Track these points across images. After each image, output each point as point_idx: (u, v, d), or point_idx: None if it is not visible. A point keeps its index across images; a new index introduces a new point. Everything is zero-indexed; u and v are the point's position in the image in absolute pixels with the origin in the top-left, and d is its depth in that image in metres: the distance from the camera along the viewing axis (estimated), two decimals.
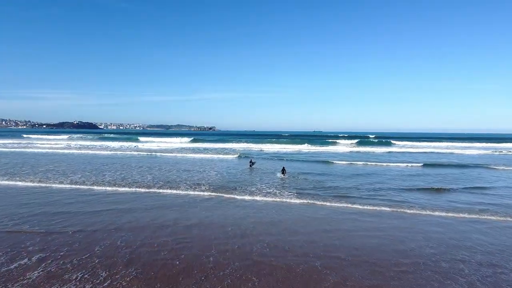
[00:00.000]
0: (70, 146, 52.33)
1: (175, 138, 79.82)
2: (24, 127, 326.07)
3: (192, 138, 79.15)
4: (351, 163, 30.86)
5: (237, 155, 36.40)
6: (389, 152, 48.48)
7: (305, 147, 54.15)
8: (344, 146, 58.44)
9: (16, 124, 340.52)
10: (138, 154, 39.62)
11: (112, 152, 41.56)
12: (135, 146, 52.70)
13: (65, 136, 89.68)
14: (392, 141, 77.78)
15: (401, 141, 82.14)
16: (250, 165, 28.22)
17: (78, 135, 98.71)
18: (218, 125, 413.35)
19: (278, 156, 38.34)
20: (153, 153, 39.46)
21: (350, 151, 48.46)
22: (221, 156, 36.78)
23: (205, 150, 46.57)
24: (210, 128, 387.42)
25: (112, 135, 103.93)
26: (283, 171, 23.41)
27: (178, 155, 38.19)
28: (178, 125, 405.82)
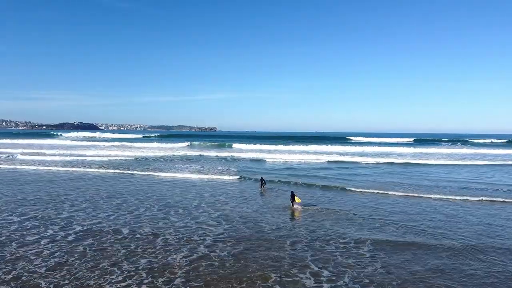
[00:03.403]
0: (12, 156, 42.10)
1: (171, 143, 69.89)
2: (25, 127, 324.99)
3: (189, 143, 69.16)
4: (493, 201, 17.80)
5: (238, 177, 25.75)
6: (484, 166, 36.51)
7: (324, 158, 43.46)
8: (373, 157, 47.60)
9: (17, 125, 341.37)
10: (105, 173, 29.38)
11: (65, 170, 31.33)
12: (108, 159, 42.10)
13: (34, 141, 72.32)
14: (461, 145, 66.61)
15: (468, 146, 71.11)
16: (262, 185, 21.38)
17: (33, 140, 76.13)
18: (219, 126, 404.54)
19: (294, 174, 28.07)
20: (127, 171, 29.10)
21: (405, 163, 37.88)
22: (218, 177, 26.22)
23: (201, 162, 36.41)
24: (211, 129, 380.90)
25: (72, 135, 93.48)
26: (293, 197, 16.32)
27: (161, 175, 27.80)
28: (179, 125, 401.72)
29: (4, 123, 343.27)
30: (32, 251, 10.09)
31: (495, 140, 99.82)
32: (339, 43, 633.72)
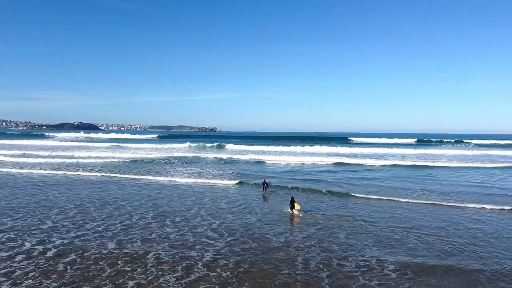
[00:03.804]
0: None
1: (170, 144, 68.45)
2: (25, 128, 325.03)
3: (188, 144, 67.60)
4: None
5: (239, 181, 24.13)
6: None
7: (328, 160, 41.94)
8: (378, 159, 46.16)
9: (17, 125, 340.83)
10: (100, 176, 27.89)
11: (58, 173, 29.87)
12: (104, 161, 40.71)
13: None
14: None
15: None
16: (264, 189, 20.39)
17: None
18: (219, 126, 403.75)
19: (298, 178, 26.71)
20: (122, 175, 27.62)
21: (411, 165, 36.40)
22: (218, 182, 24.70)
23: (200, 165, 35.06)
24: (211, 129, 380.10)
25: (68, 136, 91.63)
26: (292, 203, 15.21)
27: (158, 179, 26.29)
28: (179, 125, 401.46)
29: (4, 123, 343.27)
30: (1, 272, 8.65)
31: (500, 141, 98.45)
32: (339, 43, 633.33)
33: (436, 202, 17.75)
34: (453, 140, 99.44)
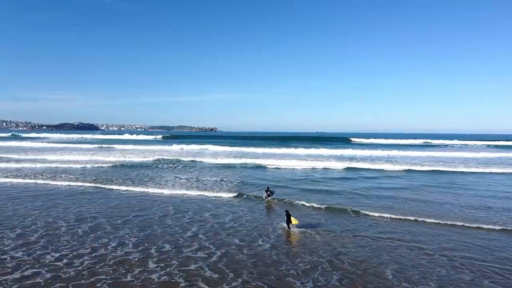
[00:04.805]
0: None
1: (167, 145, 65.15)
2: (25, 128, 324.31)
3: (185, 146, 64.21)
4: None
5: (242, 192, 20.54)
6: None
7: (337, 164, 38.67)
8: (388, 163, 42.81)
9: (17, 125, 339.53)
10: (87, 187, 24.67)
11: (31, 182, 26.57)
12: (94, 165, 37.35)
13: None
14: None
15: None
16: (267, 196, 18.11)
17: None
18: (220, 126, 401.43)
19: (309, 188, 23.54)
20: (110, 185, 24.04)
21: (431, 170, 33.05)
22: (218, 194, 20.76)
23: (196, 170, 31.92)
24: (212, 129, 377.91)
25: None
26: (288, 218, 13.01)
27: (150, 191, 23.03)
28: (180, 126, 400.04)
29: (4, 124, 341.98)
30: None
31: (507, 142, 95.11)
32: (339, 43, 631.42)
33: (492, 227, 14.36)
34: (461, 142, 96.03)
